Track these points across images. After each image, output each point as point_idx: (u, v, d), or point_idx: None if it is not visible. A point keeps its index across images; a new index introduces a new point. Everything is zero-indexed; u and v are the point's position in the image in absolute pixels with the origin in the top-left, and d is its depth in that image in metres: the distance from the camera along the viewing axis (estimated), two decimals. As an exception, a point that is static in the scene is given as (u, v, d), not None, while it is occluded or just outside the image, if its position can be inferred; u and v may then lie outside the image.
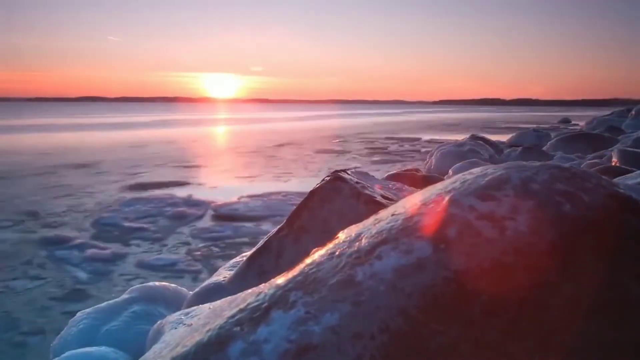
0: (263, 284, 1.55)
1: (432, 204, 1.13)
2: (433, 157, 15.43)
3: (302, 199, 2.90)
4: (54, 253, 7.40)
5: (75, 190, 12.03)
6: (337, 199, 2.31)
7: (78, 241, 7.95)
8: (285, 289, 1.02)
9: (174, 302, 4.34)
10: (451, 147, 15.44)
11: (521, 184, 1.10)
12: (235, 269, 2.61)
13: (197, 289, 2.66)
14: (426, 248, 1.00)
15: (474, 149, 14.74)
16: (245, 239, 7.48)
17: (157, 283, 4.50)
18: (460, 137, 18.71)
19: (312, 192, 2.45)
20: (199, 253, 6.93)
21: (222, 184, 12.75)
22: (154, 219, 8.93)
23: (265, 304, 1.00)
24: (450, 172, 11.34)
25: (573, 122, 47.55)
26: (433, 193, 1.19)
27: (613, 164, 7.75)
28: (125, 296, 4.36)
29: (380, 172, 11.66)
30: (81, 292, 6.00)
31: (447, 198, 1.11)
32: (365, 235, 1.11)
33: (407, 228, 1.06)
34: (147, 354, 1.71)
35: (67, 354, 3.35)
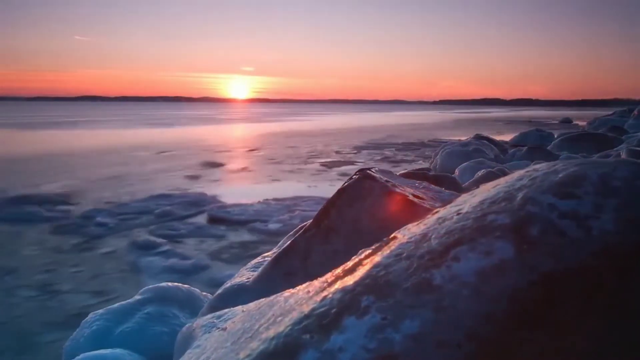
0: (310, 285, 1.48)
1: (503, 202, 1.06)
2: (438, 156, 15.37)
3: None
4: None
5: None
6: (367, 198, 2.24)
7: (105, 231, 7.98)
8: (354, 292, 0.95)
9: (187, 303, 4.27)
10: (456, 146, 15.39)
11: (600, 180, 1.03)
12: (260, 269, 2.54)
13: (219, 290, 2.59)
14: (508, 249, 0.93)
15: (479, 149, 14.68)
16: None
17: (169, 284, 4.41)
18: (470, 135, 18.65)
19: (341, 191, 2.38)
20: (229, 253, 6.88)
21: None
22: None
23: (335, 310, 0.93)
24: (456, 171, 11.27)
25: (574, 122, 47.56)
26: (500, 191, 1.12)
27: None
28: (137, 297, 4.28)
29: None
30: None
31: (521, 195, 1.04)
32: (434, 236, 1.04)
33: (483, 228, 0.99)
34: (181, 360, 1.64)
35: (81, 356, 3.27)
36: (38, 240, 7.61)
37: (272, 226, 7.80)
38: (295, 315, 1.01)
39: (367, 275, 0.99)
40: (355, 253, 2.23)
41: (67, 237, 7.76)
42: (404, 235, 1.15)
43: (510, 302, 0.87)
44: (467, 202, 1.18)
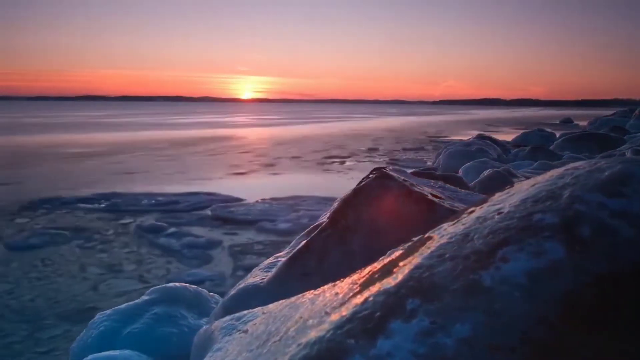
0: (335, 286, 1.44)
1: (547, 200, 1.02)
2: (441, 156, 15.33)
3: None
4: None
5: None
6: (385, 197, 2.20)
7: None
8: (398, 295, 0.92)
9: (195, 304, 4.22)
10: (459, 146, 15.35)
11: (648, 178, 0.99)
12: (274, 270, 2.50)
13: (233, 291, 2.55)
14: (558, 250, 0.90)
15: (482, 149, 14.65)
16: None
17: (177, 284, 4.37)
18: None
19: (357, 191, 2.34)
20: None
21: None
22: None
23: (378, 313, 0.89)
24: (460, 171, 11.23)
25: (575, 122, 47.51)
26: (541, 189, 1.09)
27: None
28: (145, 297, 4.23)
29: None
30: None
31: (567, 194, 1.00)
32: (476, 236, 1.01)
33: (529, 227, 0.95)
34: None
35: (89, 357, 3.23)
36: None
37: (282, 226, 7.78)
38: (334, 318, 0.97)
39: (410, 277, 0.95)
40: (373, 253, 2.19)
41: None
42: (441, 235, 1.12)
43: (564, 305, 0.83)
44: (506, 201, 1.15)
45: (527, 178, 7.35)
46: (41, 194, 11.07)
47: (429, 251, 1.04)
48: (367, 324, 0.87)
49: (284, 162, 17.41)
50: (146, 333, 3.75)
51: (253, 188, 12.04)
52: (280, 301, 1.82)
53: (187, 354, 3.55)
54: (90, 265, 6.62)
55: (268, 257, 3.05)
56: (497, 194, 1.27)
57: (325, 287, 1.67)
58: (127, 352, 3.41)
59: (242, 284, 2.58)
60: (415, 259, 1.05)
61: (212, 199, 10.15)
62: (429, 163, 16.52)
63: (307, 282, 2.22)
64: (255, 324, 1.65)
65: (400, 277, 0.98)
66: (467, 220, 1.13)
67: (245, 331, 1.63)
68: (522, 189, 1.19)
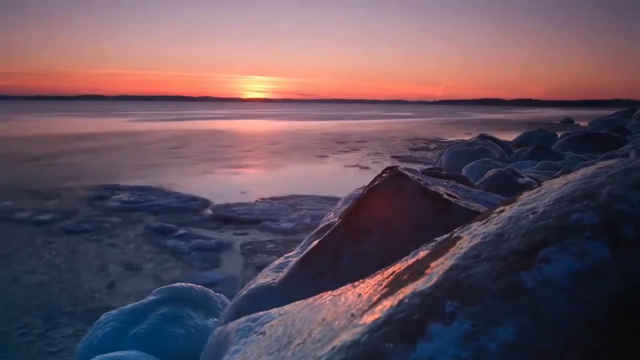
0: (357, 287, 1.41)
1: (585, 199, 0.99)
2: (443, 155, 15.29)
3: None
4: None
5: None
6: (400, 197, 2.17)
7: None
8: (435, 297, 0.88)
9: (201, 304, 4.18)
10: (461, 146, 15.32)
11: (689, 177, 0.96)
12: (285, 270, 2.47)
13: (244, 292, 2.51)
14: (602, 250, 0.87)
15: (485, 148, 14.62)
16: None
17: (183, 284, 4.33)
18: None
19: (371, 190, 2.30)
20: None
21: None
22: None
23: (416, 316, 0.86)
24: (463, 171, 11.19)
25: (575, 123, 47.48)
26: (576, 188, 1.06)
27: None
28: (151, 297, 4.19)
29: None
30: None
31: (605, 193, 0.97)
32: (512, 236, 0.98)
33: (569, 227, 0.92)
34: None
35: (96, 358, 3.20)
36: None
37: (285, 225, 7.75)
38: (367, 320, 0.94)
39: (446, 278, 0.92)
40: (387, 254, 2.16)
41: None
42: (472, 235, 1.09)
43: (613, 308, 0.80)
44: (537, 200, 1.12)
45: (532, 178, 7.28)
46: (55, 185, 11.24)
47: (462, 251, 1.01)
48: (405, 327, 0.84)
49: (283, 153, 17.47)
50: (153, 334, 3.71)
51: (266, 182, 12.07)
52: (297, 302, 1.79)
53: (195, 355, 3.52)
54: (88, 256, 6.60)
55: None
56: (526, 193, 1.24)
57: (344, 288, 1.64)
58: (134, 352, 3.37)
59: (252, 285, 2.54)
60: (447, 260, 1.02)
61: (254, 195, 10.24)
62: (429, 165, 16.49)
63: (320, 282, 2.19)
64: (272, 326, 1.62)
65: (435, 278, 0.95)
66: (498, 220, 1.10)
67: (263, 333, 1.60)
68: (553, 188, 1.16)
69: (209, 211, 9.17)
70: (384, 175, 2.34)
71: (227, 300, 4.20)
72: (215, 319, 3.86)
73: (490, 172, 7.36)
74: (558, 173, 1.63)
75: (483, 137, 16.76)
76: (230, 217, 8.57)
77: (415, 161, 17.51)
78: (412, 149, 22.08)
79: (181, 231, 7.74)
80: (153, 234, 7.72)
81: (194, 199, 10.01)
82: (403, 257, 1.56)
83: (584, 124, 40.01)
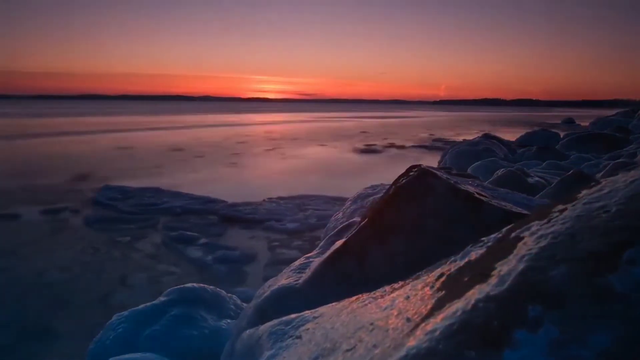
0: (400, 289, 1.35)
1: (661, 197, 0.94)
2: (447, 155, 15.23)
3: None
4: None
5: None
6: (429, 196, 2.11)
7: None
8: (515, 301, 0.83)
9: (214, 305, 4.12)
10: (465, 146, 15.26)
11: None
12: (309, 271, 2.40)
13: (266, 293, 2.44)
14: (693, 251, 0.81)
15: (489, 148, 14.56)
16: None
17: (195, 284, 4.26)
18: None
19: (398, 189, 2.24)
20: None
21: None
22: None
23: (496, 322, 0.80)
24: (469, 170, 11.13)
25: (576, 123, 47.43)
26: (634, 186, 1.00)
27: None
28: (162, 298, 4.13)
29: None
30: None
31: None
32: (585, 237, 0.92)
33: (651, 227, 0.87)
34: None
35: (111, 360, 3.15)
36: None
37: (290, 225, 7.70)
38: (435, 325, 0.88)
39: (521, 281, 0.87)
40: (418, 254, 2.10)
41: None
42: (538, 235, 1.03)
43: None
44: (604, 198, 1.06)
45: (540, 178, 7.19)
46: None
47: (532, 252, 0.95)
48: (485, 334, 0.78)
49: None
50: (166, 335, 3.65)
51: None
52: (331, 304, 1.73)
53: (210, 357, 3.45)
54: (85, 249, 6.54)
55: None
56: (586, 191, 1.18)
57: (381, 290, 1.58)
58: (148, 355, 3.31)
59: (274, 286, 2.48)
60: (515, 261, 0.96)
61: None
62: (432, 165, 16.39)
63: (347, 283, 2.13)
64: (308, 330, 1.57)
65: (507, 281, 0.89)
66: (565, 219, 1.04)
67: (299, 337, 1.54)
68: (618, 186, 1.10)
69: (221, 211, 9.13)
70: (410, 173, 2.28)
71: (239, 301, 4.14)
72: (229, 320, 3.80)
73: (499, 172, 7.30)
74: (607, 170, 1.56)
75: (487, 136, 16.69)
76: (235, 216, 8.53)
77: (418, 160, 17.47)
78: (414, 148, 22.02)
79: (190, 229, 7.71)
80: (154, 231, 7.73)
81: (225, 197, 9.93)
82: (434, 257, 1.50)
83: (584, 124, 39.95)
